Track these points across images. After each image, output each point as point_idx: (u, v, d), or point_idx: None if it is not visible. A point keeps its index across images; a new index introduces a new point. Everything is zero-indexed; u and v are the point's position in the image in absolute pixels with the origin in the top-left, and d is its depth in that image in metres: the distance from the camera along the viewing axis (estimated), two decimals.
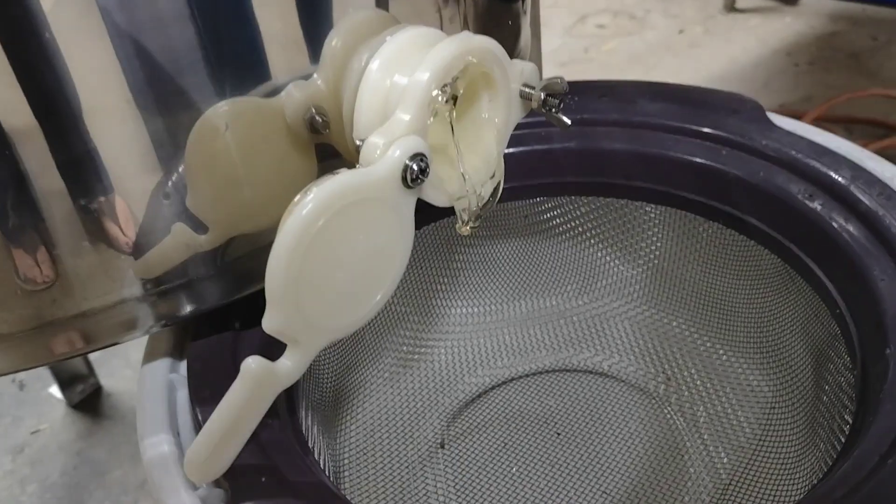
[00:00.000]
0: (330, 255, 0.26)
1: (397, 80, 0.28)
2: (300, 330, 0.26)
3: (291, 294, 0.25)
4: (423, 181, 0.27)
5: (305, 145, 0.30)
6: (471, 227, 0.31)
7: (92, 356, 0.69)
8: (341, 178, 0.25)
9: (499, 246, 0.45)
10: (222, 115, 0.28)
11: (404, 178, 0.27)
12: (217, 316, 0.32)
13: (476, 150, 0.32)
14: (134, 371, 0.70)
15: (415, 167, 0.26)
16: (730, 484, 0.37)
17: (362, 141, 0.27)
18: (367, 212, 0.26)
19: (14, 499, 0.61)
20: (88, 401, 0.68)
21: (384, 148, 0.26)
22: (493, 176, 0.31)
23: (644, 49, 1.05)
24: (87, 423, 0.67)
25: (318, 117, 0.29)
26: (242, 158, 0.29)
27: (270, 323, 0.25)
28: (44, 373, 0.69)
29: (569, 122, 0.31)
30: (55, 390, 0.68)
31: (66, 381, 0.67)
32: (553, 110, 0.31)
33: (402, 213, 0.28)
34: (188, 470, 0.26)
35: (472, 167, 0.31)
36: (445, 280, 0.45)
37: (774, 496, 0.36)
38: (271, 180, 0.30)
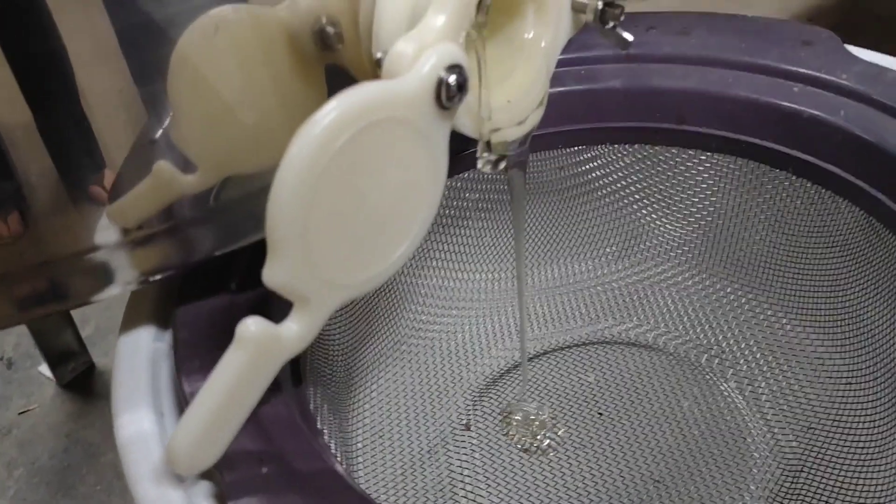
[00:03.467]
0: (347, 189, 0.20)
1: None
2: (309, 284, 0.21)
3: (299, 236, 0.20)
4: (460, 101, 0.22)
5: (313, 65, 0.25)
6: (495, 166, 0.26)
7: (84, 333, 0.65)
8: (366, 89, 0.20)
9: (528, 203, 0.39)
10: (213, 24, 0.23)
11: (439, 96, 0.21)
12: (209, 275, 0.27)
13: (514, 76, 0.27)
14: None
15: (451, 81, 0.21)
16: (801, 471, 0.33)
17: (384, 53, 0.22)
18: (393, 138, 0.21)
19: (0, 483, 0.57)
20: (80, 380, 0.65)
21: (414, 56, 0.21)
22: (540, 104, 0.26)
23: None
24: (78, 403, 0.64)
25: (329, 28, 0.24)
26: (237, 81, 0.24)
27: (272, 274, 0.20)
28: (33, 351, 0.65)
29: (630, 37, 0.26)
30: (45, 369, 0.65)
31: (56, 359, 0.64)
32: (612, 25, 0.26)
33: (433, 143, 0.22)
34: (172, 458, 0.21)
35: (513, 96, 0.26)
36: (468, 242, 0.40)
37: (857, 484, 0.31)
38: (272, 109, 0.25)
